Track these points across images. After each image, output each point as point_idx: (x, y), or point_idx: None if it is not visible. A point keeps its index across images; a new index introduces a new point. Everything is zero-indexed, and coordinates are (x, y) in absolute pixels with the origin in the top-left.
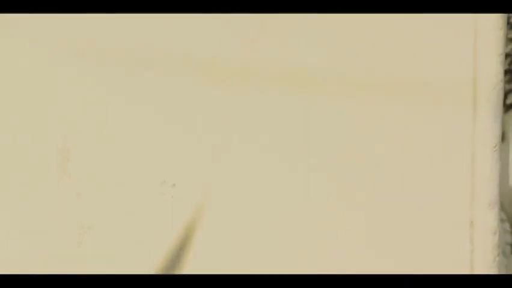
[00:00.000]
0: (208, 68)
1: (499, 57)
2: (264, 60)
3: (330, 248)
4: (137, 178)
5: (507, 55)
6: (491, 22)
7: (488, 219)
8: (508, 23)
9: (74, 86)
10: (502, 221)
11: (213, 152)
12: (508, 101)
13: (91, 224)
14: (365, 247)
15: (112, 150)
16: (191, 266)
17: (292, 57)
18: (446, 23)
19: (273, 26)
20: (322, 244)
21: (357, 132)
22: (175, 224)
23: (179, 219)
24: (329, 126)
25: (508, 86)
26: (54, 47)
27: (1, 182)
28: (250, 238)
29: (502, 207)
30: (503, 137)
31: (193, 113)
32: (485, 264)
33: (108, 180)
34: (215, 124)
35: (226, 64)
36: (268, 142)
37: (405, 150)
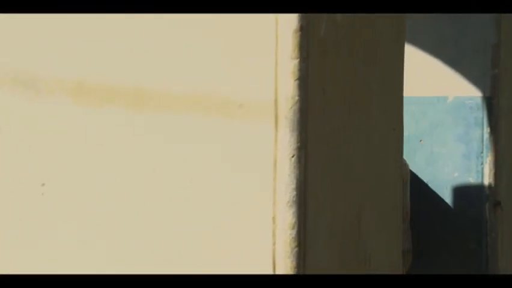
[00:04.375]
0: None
1: (296, 82)
2: None
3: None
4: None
5: None
6: (288, 52)
7: (287, 216)
8: None
9: None
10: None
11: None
12: None
13: None
14: (182, 244)
15: None
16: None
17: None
18: (249, 53)
19: None
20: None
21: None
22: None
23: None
24: (138, 138)
25: None
26: None
27: None
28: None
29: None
30: None
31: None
32: (285, 255)
33: None
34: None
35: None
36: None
37: (219, 158)
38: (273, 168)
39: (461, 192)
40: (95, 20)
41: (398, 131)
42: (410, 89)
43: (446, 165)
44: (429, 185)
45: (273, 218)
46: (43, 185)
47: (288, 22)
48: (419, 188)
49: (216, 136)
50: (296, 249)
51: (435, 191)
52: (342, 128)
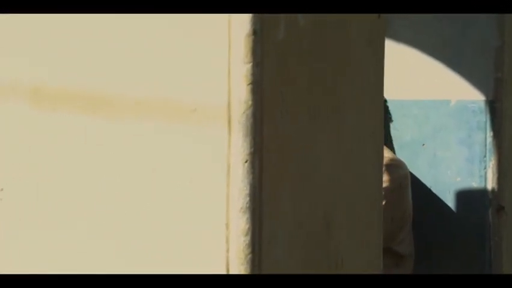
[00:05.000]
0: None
1: (249, 87)
2: None
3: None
4: None
5: None
6: (241, 56)
7: (241, 223)
8: None
9: None
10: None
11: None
12: None
13: None
14: (135, 249)
15: None
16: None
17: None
18: (202, 57)
19: None
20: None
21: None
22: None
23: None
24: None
25: None
26: None
27: None
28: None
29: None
30: None
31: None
32: (239, 262)
33: None
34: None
35: None
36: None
37: (172, 163)
38: (226, 173)
39: (464, 196)
40: (49, 23)
41: (377, 134)
42: (412, 93)
43: (449, 169)
44: (432, 189)
45: (227, 225)
46: (1, 189)
47: (241, 26)
48: (421, 192)
49: (169, 141)
50: (250, 255)
51: (438, 196)
52: (305, 133)
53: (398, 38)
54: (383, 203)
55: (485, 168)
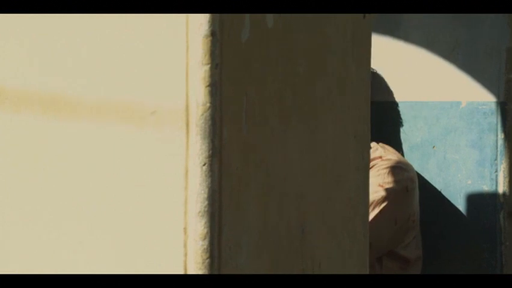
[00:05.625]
0: None
1: (207, 89)
2: None
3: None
4: None
5: None
6: (199, 58)
7: (199, 227)
8: None
9: None
10: None
11: None
12: None
13: None
14: (91, 252)
15: None
16: None
17: None
18: (161, 58)
19: None
20: (40, 245)
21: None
22: None
23: None
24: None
25: None
26: None
27: None
28: None
29: None
30: None
31: None
32: (196, 267)
33: None
34: None
35: None
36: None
37: (131, 166)
38: (184, 177)
39: (475, 200)
40: (6, 23)
41: (361, 137)
42: (422, 94)
43: (459, 172)
44: (442, 192)
45: (184, 229)
46: None
47: (198, 27)
48: (431, 196)
49: (127, 144)
50: (208, 260)
51: (448, 199)
52: (275, 137)
53: (409, 39)
54: (385, 204)
55: (496, 171)
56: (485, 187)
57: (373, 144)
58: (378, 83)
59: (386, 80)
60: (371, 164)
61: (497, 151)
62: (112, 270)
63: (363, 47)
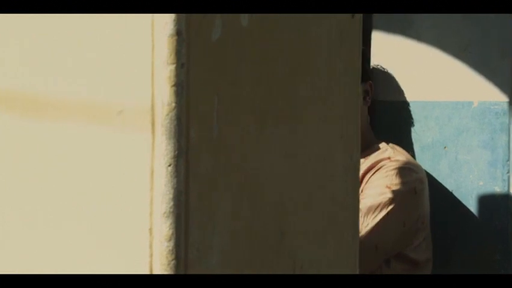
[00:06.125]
0: None
1: (172, 89)
2: None
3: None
4: None
5: None
6: (164, 57)
7: (164, 228)
8: None
9: None
10: None
11: None
12: None
13: None
14: (56, 252)
15: None
16: None
17: None
18: (126, 57)
19: None
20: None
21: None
22: None
23: None
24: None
25: None
26: None
27: None
28: None
29: None
30: None
31: None
32: (162, 268)
33: None
34: None
35: None
36: None
37: (97, 167)
38: (149, 177)
39: (487, 201)
40: None
41: (349, 137)
42: (434, 94)
43: (471, 173)
44: (454, 193)
45: (150, 230)
46: None
47: (164, 26)
48: (442, 197)
49: (93, 144)
50: (174, 261)
51: (460, 200)
52: (251, 139)
53: (420, 38)
54: (392, 206)
55: (508, 172)
56: (497, 188)
57: (383, 145)
58: (389, 83)
59: (397, 79)
60: (379, 165)
61: (509, 152)
62: (76, 271)
63: (351, 47)
